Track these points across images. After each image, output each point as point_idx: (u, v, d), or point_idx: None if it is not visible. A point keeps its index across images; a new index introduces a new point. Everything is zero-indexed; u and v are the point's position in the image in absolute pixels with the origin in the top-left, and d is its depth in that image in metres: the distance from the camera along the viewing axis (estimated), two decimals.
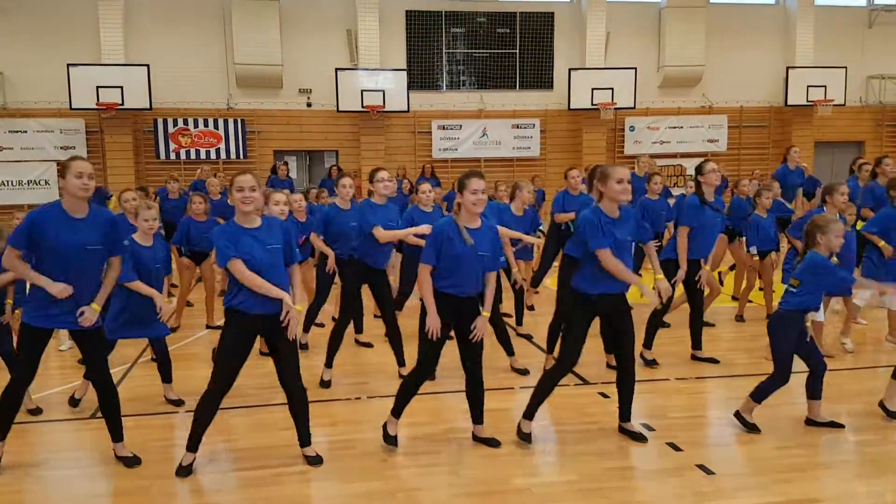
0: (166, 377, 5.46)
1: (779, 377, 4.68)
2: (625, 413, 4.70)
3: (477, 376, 4.47)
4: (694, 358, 6.41)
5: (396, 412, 4.54)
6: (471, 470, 4.24)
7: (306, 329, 6.95)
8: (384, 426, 4.56)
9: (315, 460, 4.32)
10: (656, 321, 6.25)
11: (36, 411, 5.24)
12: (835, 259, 4.78)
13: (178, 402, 5.39)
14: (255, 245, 4.04)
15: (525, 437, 4.55)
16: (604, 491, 3.99)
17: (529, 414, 4.57)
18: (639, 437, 4.64)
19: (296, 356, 4.28)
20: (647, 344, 6.26)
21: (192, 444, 4.21)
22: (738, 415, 4.82)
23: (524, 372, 6.07)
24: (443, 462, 4.37)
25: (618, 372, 4.67)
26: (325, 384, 5.80)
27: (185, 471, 4.18)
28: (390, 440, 4.49)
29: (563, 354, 4.53)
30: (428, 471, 4.28)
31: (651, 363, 6.22)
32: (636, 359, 6.16)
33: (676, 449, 4.49)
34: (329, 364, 5.88)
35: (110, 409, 4.35)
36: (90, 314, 4.10)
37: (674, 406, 5.31)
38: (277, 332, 4.15)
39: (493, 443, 4.55)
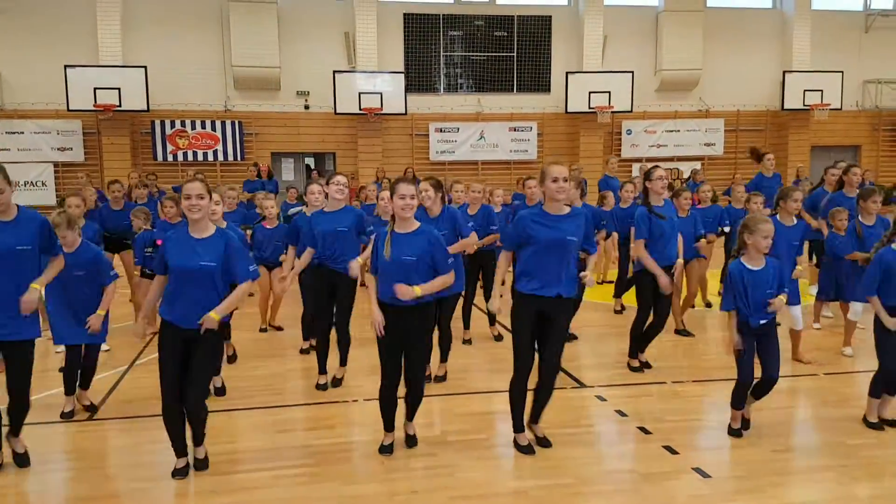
0: (84, 383, 5.31)
1: (738, 379, 4.68)
2: (533, 415, 4.63)
3: (418, 387, 4.49)
4: (629, 366, 6.24)
5: (386, 426, 4.54)
6: (467, 473, 4.24)
7: (305, 337, 6.94)
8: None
9: (200, 463, 4.29)
10: (638, 334, 6.18)
11: None
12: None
13: (92, 408, 5.33)
14: (190, 256, 4.01)
15: (526, 450, 4.50)
16: (601, 494, 4.00)
17: (518, 427, 4.55)
18: (543, 442, 4.58)
19: (204, 369, 4.21)
20: (632, 354, 6.25)
21: (178, 450, 4.21)
22: (729, 429, 4.81)
23: (441, 379, 5.98)
24: (440, 465, 4.37)
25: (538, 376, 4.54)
26: (321, 387, 5.81)
27: (180, 473, 4.18)
28: (385, 449, 4.51)
29: (516, 360, 4.45)
30: (425, 473, 4.29)
31: (636, 370, 6.20)
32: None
33: (673, 452, 4.50)
34: (322, 370, 5.89)
35: (17, 414, 4.31)
36: (31, 294, 4.09)
37: (671, 409, 5.32)
38: (195, 344, 4.10)
39: (411, 441, 4.61)
